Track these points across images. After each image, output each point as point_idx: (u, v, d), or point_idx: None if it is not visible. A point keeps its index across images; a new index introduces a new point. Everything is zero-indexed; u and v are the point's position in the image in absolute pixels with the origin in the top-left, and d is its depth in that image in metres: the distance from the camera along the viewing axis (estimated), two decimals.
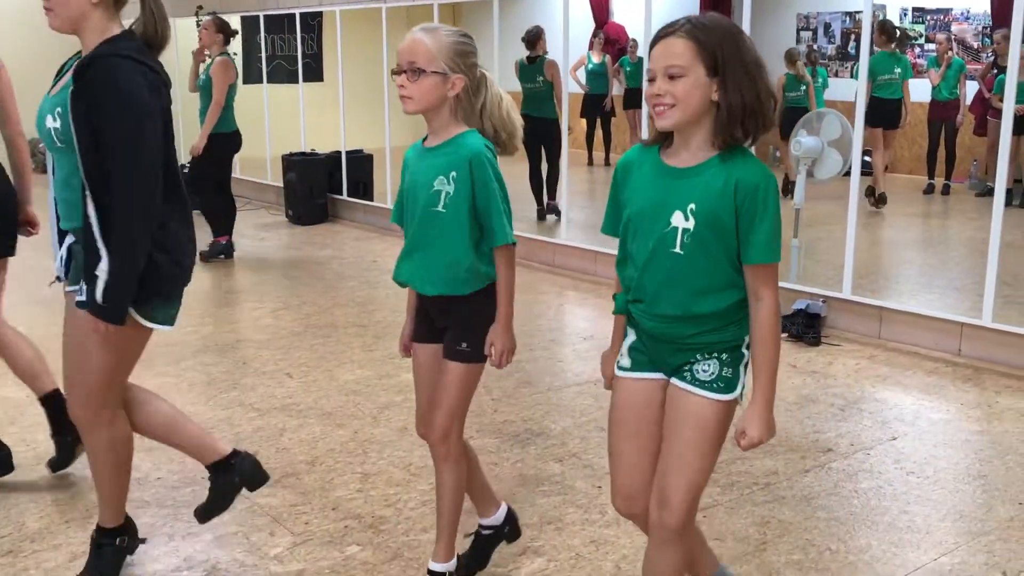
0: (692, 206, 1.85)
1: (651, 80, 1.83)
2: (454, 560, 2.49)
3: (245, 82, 10.06)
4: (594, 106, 11.81)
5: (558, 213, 7.76)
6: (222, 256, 7.00)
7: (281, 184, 9.02)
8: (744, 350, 1.97)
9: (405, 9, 7.95)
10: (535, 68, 7.88)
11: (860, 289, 5.26)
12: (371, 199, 8.63)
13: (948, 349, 4.70)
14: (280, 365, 4.53)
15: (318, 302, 5.77)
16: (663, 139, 1.94)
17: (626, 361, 2.04)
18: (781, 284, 5.32)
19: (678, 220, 1.86)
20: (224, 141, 6.75)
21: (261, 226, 8.60)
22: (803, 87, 9.60)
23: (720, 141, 1.84)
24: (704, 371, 1.94)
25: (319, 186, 8.64)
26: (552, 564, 2.72)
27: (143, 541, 2.71)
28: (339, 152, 8.76)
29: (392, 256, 7.34)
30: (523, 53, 7.99)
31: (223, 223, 6.99)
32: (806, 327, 4.95)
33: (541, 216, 8.10)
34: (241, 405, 4.00)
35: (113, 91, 2.21)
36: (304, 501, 3.12)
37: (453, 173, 2.23)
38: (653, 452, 2.01)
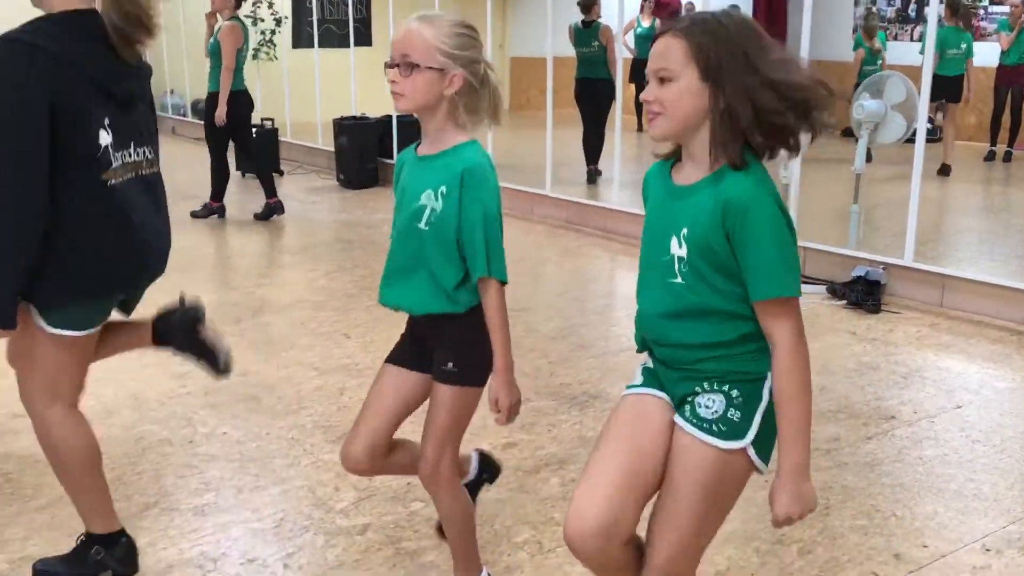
0: (685, 231, 1.62)
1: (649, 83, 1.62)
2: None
3: (295, 46, 10.16)
4: (643, 71, 11.65)
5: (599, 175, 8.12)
6: (274, 217, 7.14)
7: (331, 148, 9.08)
8: (764, 392, 1.66)
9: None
10: (590, 33, 7.99)
11: (921, 256, 5.16)
12: None
13: (1012, 318, 4.60)
14: (336, 326, 4.58)
15: (371, 265, 5.80)
16: (676, 152, 1.71)
17: (637, 379, 1.81)
18: (840, 251, 5.31)
19: (674, 247, 1.63)
20: (237, 99, 6.83)
21: (312, 190, 8.66)
22: (879, 61, 9.48)
23: (716, 155, 1.58)
24: (707, 407, 1.65)
25: (369, 150, 8.66)
26: None
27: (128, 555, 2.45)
28: (390, 116, 8.76)
29: None
30: (578, 17, 8.01)
31: (220, 188, 7.18)
32: (865, 294, 4.87)
33: (591, 179, 8.12)
34: (300, 364, 4.06)
35: None
36: None
37: (443, 188, 1.96)
38: (630, 471, 1.67)
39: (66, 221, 2.07)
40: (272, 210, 7.12)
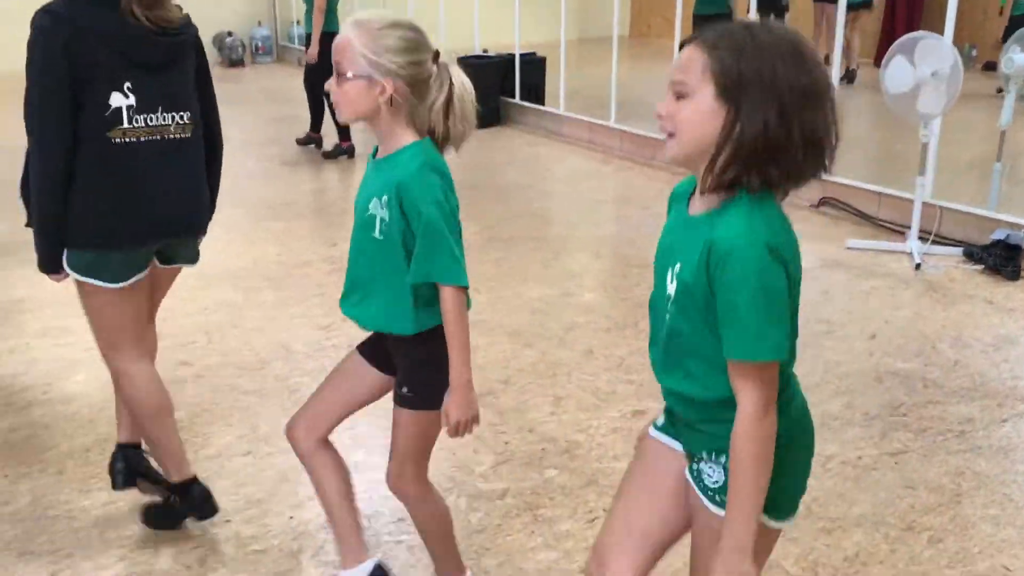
0: (678, 267, 1.47)
1: None
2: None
3: None
4: (769, 1, 11.23)
5: None
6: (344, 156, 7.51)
7: None
8: None
9: None
10: None
11: None
12: (543, 103, 8.65)
13: None
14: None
15: (496, 211, 5.93)
16: None
17: (660, 419, 1.70)
18: (978, 211, 5.11)
19: (668, 283, 1.50)
20: (330, 41, 6.89)
21: None
22: None
23: (719, 183, 1.41)
24: (709, 475, 1.55)
25: (492, 89, 8.71)
26: None
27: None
28: (512, 55, 8.77)
29: (561, 162, 7.46)
30: None
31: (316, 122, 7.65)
32: (1005, 259, 4.71)
33: None
34: None
35: (28, 45, 2.24)
36: (502, 421, 3.33)
37: (385, 197, 1.89)
38: (647, 529, 1.65)
39: (76, 172, 2.30)
40: (341, 151, 7.46)
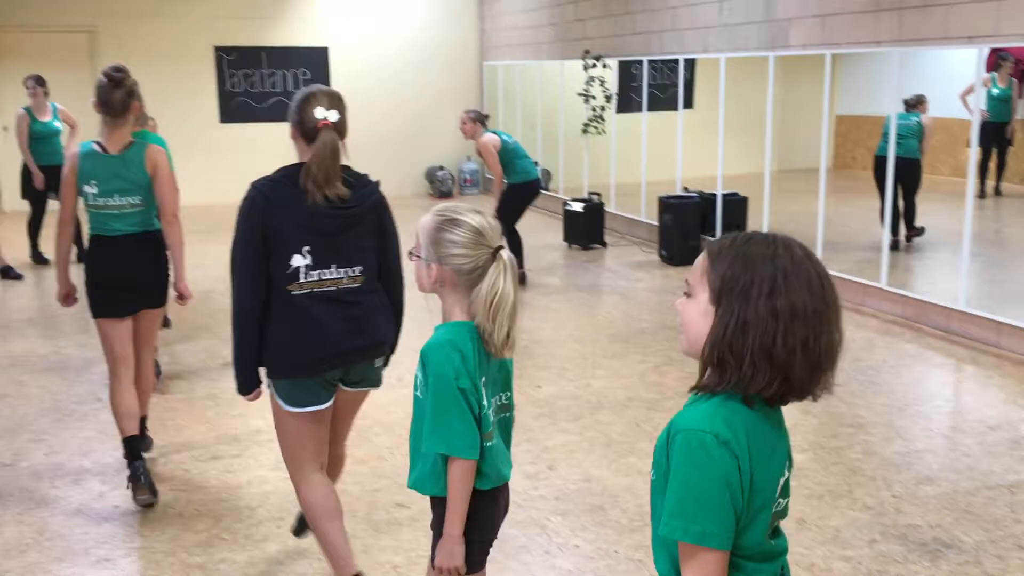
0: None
1: None
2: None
3: (619, 111, 10.59)
4: (994, 134, 10.87)
5: (920, 233, 8.16)
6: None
7: (653, 222, 9.36)
8: None
9: (793, 59, 7.87)
10: (913, 115, 7.99)
11: None
12: None
13: None
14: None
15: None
16: None
17: None
18: None
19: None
20: (519, 189, 7.92)
21: (635, 264, 8.96)
22: None
23: (700, 379, 1.52)
24: None
25: (692, 228, 8.82)
26: None
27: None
28: (714, 195, 8.88)
29: None
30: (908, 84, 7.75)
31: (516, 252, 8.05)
32: None
33: (895, 246, 7.73)
34: (640, 474, 4.25)
35: (239, 207, 2.87)
36: None
37: (420, 360, 2.22)
38: None
39: (265, 313, 2.87)
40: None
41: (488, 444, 2.21)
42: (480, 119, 8.09)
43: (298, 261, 2.84)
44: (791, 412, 5.02)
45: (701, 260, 1.54)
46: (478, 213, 2.20)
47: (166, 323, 6.22)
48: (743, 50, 8.35)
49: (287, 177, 2.87)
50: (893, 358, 5.93)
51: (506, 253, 2.17)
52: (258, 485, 4.17)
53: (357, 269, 2.93)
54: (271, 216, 2.81)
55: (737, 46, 8.41)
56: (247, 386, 2.96)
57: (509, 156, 7.91)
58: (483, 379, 2.18)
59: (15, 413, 5.08)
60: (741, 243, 1.52)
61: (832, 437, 4.66)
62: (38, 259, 8.88)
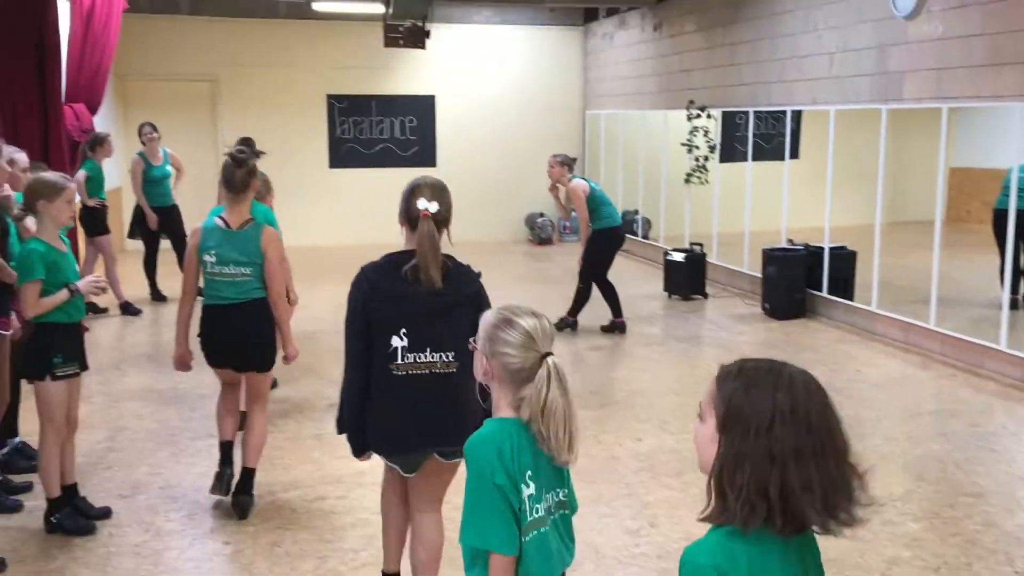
0: None
1: None
2: None
3: (722, 160, 10.51)
4: None
5: None
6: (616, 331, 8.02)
7: (755, 273, 9.21)
8: None
9: (905, 110, 7.70)
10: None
11: None
12: (851, 298, 8.42)
13: None
14: None
15: None
16: None
17: None
18: None
19: None
20: (605, 235, 7.95)
21: (737, 317, 8.82)
22: None
23: (709, 506, 1.57)
24: None
25: (797, 281, 8.64)
26: None
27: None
28: (821, 247, 8.69)
29: (872, 363, 7.14)
30: None
31: (578, 304, 8.10)
32: None
33: (1015, 305, 7.36)
34: None
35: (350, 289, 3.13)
36: None
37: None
38: None
39: (370, 391, 3.08)
40: (566, 324, 8.03)
41: (527, 539, 2.17)
42: (568, 163, 8.16)
43: (396, 342, 3.04)
44: (904, 479, 4.83)
45: (712, 386, 1.59)
46: (535, 317, 2.26)
47: (274, 385, 6.43)
48: (854, 102, 8.21)
49: (392, 262, 3.08)
50: (1013, 423, 5.66)
51: (553, 360, 2.21)
52: (362, 528, 4.24)
53: (451, 355, 3.07)
54: (373, 299, 3.04)
55: (848, 98, 8.27)
56: (357, 451, 3.21)
57: (595, 203, 7.98)
58: (528, 473, 2.18)
59: (134, 446, 5.31)
60: (747, 372, 1.56)
61: (949, 507, 4.45)
62: (156, 296, 9.30)
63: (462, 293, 3.09)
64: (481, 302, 3.11)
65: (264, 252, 4.27)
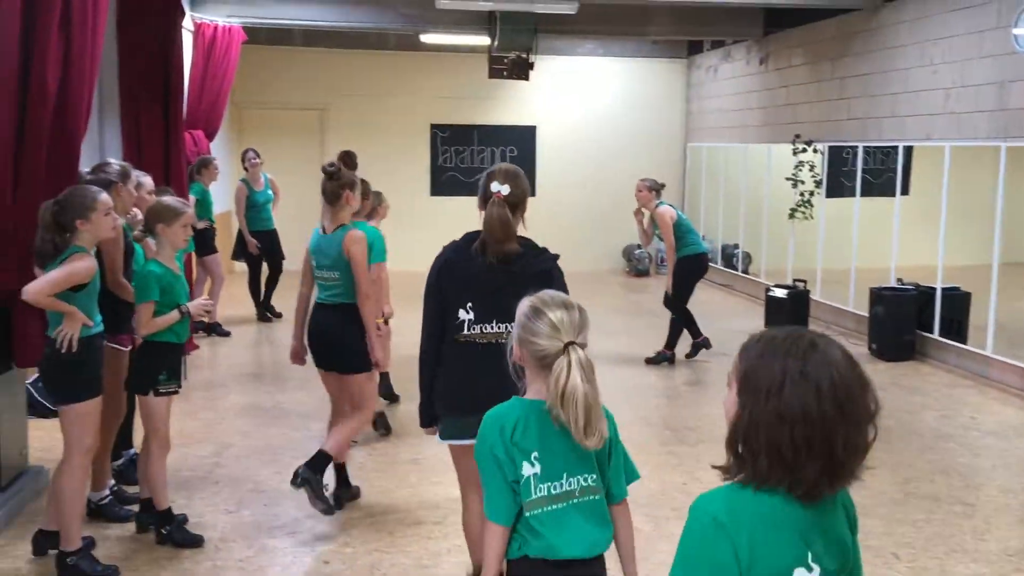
0: None
1: None
2: None
3: (828, 195, 10.25)
4: None
5: None
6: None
7: (862, 312, 8.93)
8: None
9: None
10: None
11: None
12: (965, 341, 8.08)
13: None
14: (885, 541, 4.44)
15: (914, 462, 5.54)
16: None
17: None
18: None
19: None
20: (689, 262, 7.96)
21: None
22: None
23: (726, 463, 1.68)
24: None
25: (907, 322, 8.35)
26: None
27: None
28: (932, 288, 8.38)
29: (988, 411, 6.81)
30: None
31: (674, 336, 8.12)
32: None
33: None
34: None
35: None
36: None
37: None
38: None
39: (441, 360, 3.33)
40: (663, 357, 8.02)
41: (532, 513, 2.30)
42: (656, 188, 8.12)
43: (463, 315, 3.26)
44: (1022, 532, 4.58)
45: (737, 355, 1.69)
46: (565, 308, 2.35)
47: (396, 399, 6.61)
48: (971, 139, 7.93)
49: (467, 240, 3.31)
50: None
51: (577, 350, 2.29)
52: (456, 554, 4.25)
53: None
54: (446, 275, 3.28)
55: (964, 134, 7.99)
56: (426, 419, 3.46)
57: (681, 230, 7.96)
58: (533, 454, 2.31)
59: (239, 463, 5.46)
60: (766, 340, 1.66)
61: None
62: (262, 317, 9.60)
63: (532, 267, 3.23)
64: (551, 280, 3.17)
65: (347, 252, 4.48)
